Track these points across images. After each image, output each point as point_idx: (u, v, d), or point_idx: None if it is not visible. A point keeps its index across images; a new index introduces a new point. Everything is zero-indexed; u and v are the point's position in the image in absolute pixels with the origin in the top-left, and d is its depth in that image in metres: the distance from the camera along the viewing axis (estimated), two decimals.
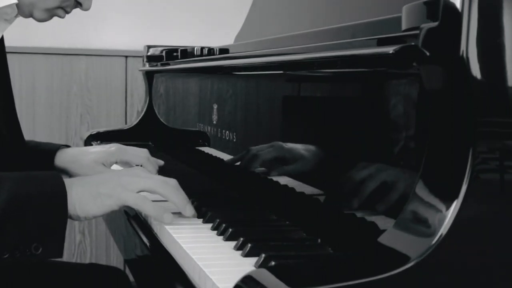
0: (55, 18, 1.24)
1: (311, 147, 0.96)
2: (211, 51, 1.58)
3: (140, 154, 1.36)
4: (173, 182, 1.03)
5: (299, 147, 1.00)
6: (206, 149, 1.47)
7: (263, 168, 1.13)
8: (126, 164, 1.36)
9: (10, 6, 1.17)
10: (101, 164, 1.33)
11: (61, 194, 0.95)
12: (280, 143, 1.08)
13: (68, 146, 1.42)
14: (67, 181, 0.97)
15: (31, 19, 1.23)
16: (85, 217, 0.99)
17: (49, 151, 1.38)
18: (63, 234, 0.94)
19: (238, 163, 1.25)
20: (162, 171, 1.37)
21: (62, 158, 1.36)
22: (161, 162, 1.40)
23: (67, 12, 1.24)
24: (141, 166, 1.34)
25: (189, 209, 1.01)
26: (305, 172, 0.99)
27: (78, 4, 1.24)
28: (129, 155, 1.35)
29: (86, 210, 0.97)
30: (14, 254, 0.92)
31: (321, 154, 0.94)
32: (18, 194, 0.93)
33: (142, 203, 0.98)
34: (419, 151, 0.68)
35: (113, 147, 1.36)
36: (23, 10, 1.19)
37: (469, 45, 0.62)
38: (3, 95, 1.27)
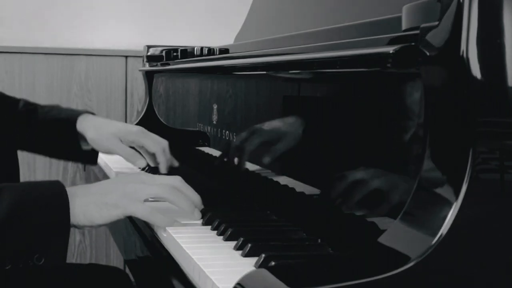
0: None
1: (311, 147, 0.96)
2: (211, 51, 1.58)
3: (158, 142, 1.38)
4: (177, 180, 1.02)
5: (298, 147, 1.00)
6: (206, 149, 1.47)
7: (263, 168, 1.13)
8: (141, 148, 1.39)
9: None
10: (118, 138, 1.37)
11: (64, 205, 0.94)
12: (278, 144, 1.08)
13: (93, 114, 1.45)
14: (70, 190, 0.96)
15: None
16: (91, 226, 0.98)
17: (73, 114, 1.42)
18: (66, 245, 0.93)
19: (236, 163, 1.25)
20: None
21: (84, 123, 1.39)
22: (175, 164, 1.40)
23: None
24: (153, 154, 1.37)
25: (197, 214, 1.01)
26: (305, 172, 0.99)
27: None
28: (148, 140, 1.38)
29: (91, 220, 0.96)
30: (17, 264, 0.91)
31: (321, 154, 0.94)
32: (20, 205, 0.92)
33: (151, 215, 0.98)
34: (420, 151, 0.68)
35: (135, 127, 1.40)
36: None
37: (469, 45, 0.62)
38: None
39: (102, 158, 1.65)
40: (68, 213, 0.93)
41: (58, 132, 1.42)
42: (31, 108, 1.48)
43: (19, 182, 1.18)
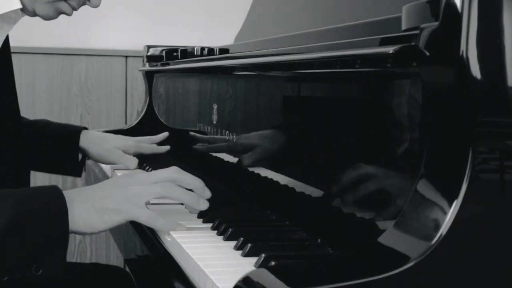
0: (58, 18, 1.20)
1: (311, 147, 0.96)
2: (211, 51, 1.58)
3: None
4: (173, 172, 1.00)
5: (298, 147, 1.00)
6: None
7: (263, 168, 1.13)
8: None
9: (14, 11, 1.14)
10: (121, 150, 1.55)
11: (63, 216, 0.91)
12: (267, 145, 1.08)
13: (86, 128, 1.58)
14: (68, 196, 0.93)
15: (34, 19, 1.21)
16: (92, 232, 0.96)
17: (74, 131, 1.54)
18: (64, 254, 0.91)
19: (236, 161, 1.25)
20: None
21: (86, 139, 1.53)
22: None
23: (74, 9, 1.18)
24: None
25: (202, 203, 1.00)
26: (305, 172, 0.99)
27: (86, 0, 1.18)
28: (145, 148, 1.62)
29: (92, 226, 0.94)
30: (14, 276, 0.89)
31: (321, 154, 0.94)
32: (18, 217, 0.89)
33: (153, 221, 0.96)
34: (419, 151, 0.68)
35: (130, 140, 1.60)
36: (27, 10, 1.16)
37: (469, 45, 0.62)
38: (8, 93, 1.28)
39: None
40: (67, 224, 0.91)
41: (60, 147, 1.52)
42: (25, 122, 1.52)
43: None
